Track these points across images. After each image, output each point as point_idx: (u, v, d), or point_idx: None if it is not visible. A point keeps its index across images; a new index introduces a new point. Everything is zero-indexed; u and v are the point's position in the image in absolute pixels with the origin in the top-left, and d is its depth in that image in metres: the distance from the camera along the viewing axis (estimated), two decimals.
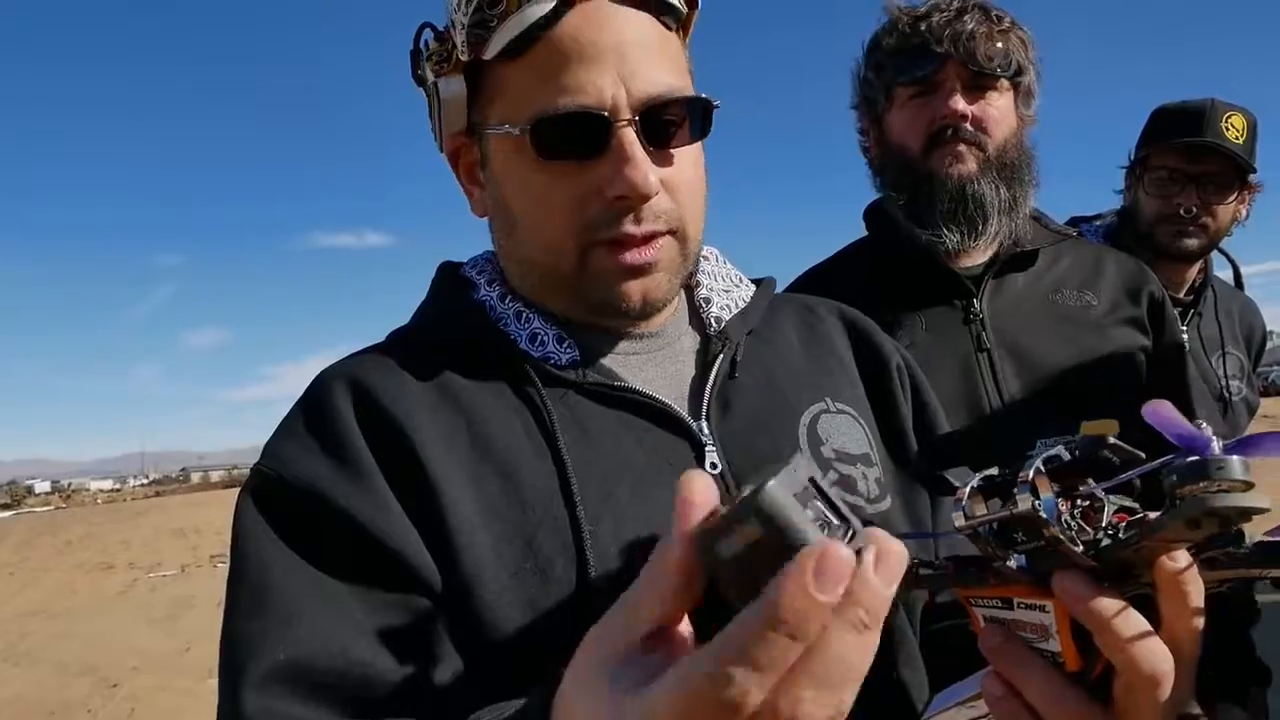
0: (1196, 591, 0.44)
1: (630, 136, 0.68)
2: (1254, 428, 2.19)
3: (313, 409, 0.71)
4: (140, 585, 11.42)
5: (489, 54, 0.70)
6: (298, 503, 0.65)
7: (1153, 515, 0.43)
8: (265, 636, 0.60)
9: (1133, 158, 1.91)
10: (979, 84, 1.29)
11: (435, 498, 0.65)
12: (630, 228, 0.70)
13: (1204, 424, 0.40)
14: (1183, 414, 1.37)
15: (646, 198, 0.69)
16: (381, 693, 0.61)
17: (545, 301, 0.76)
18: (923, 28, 1.29)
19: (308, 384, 0.74)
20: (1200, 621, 0.44)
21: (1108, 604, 0.41)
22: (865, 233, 1.47)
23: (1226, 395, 1.95)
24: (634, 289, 0.72)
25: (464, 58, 0.71)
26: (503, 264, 0.79)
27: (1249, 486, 0.38)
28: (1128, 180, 1.93)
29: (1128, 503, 0.46)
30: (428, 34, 0.75)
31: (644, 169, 0.68)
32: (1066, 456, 0.45)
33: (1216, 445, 0.40)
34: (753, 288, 0.88)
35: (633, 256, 0.70)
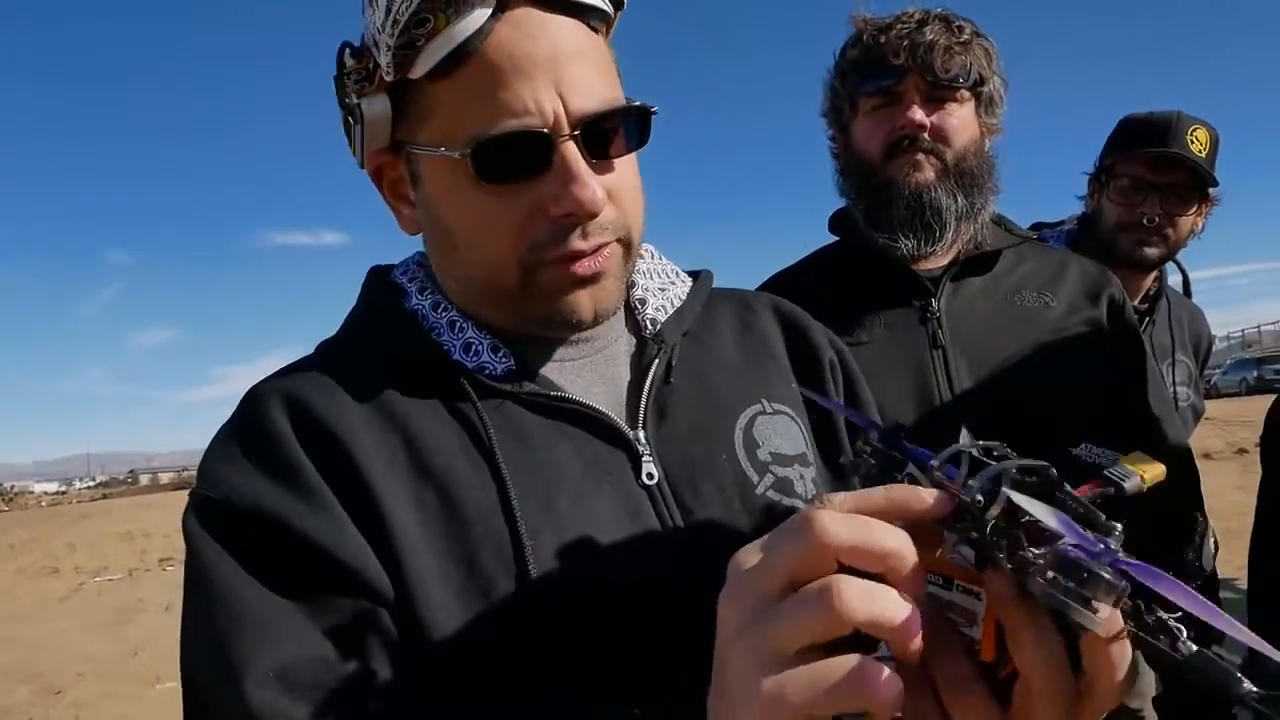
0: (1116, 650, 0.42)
1: (573, 152, 0.67)
2: (1199, 431, 2.26)
3: (250, 428, 0.68)
4: (86, 589, 11.10)
5: (416, 74, 0.67)
6: (249, 526, 0.64)
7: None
8: (254, 648, 0.60)
9: (1098, 165, 1.96)
10: (938, 95, 1.33)
11: (381, 519, 0.64)
12: (579, 244, 0.68)
13: (1111, 538, 0.40)
14: (1139, 413, 1.39)
15: (594, 215, 0.68)
16: (370, 700, 0.61)
17: (486, 315, 0.75)
18: (883, 40, 1.33)
19: (240, 401, 0.71)
20: (1117, 677, 0.42)
21: (1027, 611, 0.41)
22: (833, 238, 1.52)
23: (1175, 402, 2.01)
24: (584, 301, 0.71)
25: (389, 78, 0.68)
26: (439, 279, 0.77)
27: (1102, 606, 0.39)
28: (1091, 187, 1.98)
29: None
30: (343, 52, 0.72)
31: (590, 185, 0.66)
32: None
33: (1115, 544, 0.40)
34: (689, 283, 0.86)
35: (582, 268, 0.69)
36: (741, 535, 0.72)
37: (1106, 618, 0.39)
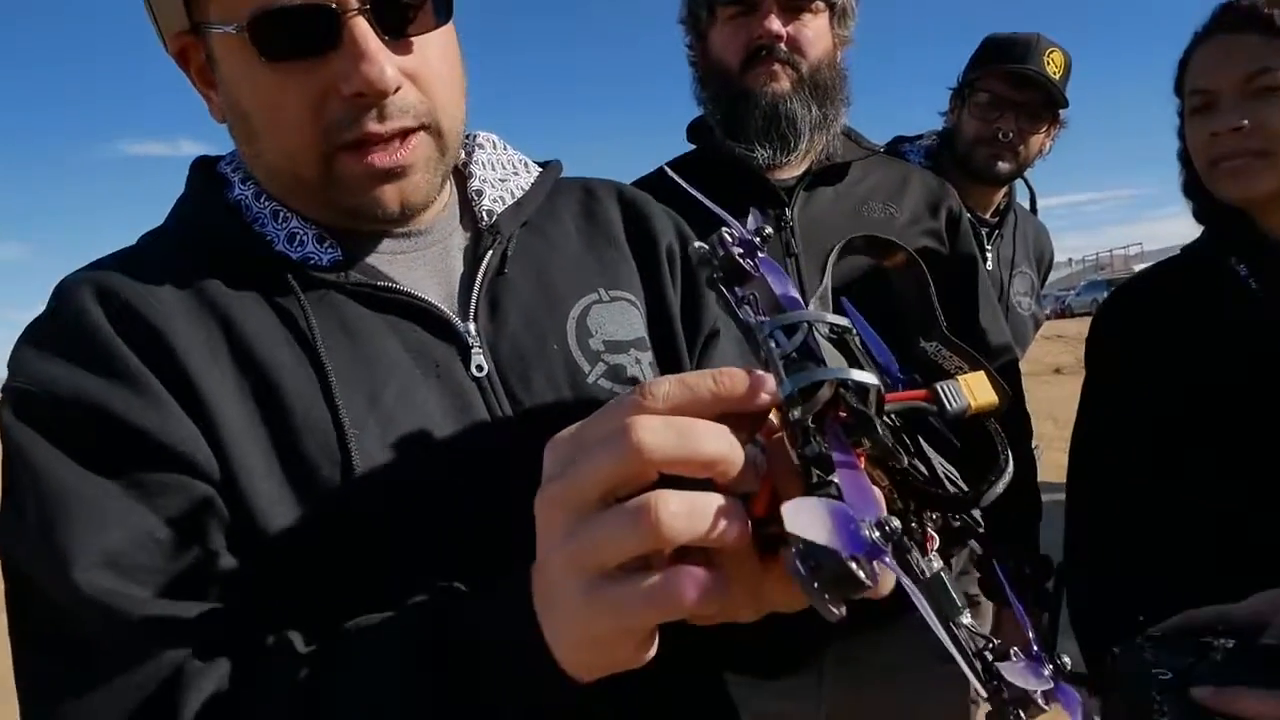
0: None
1: (362, 27, 0.64)
2: (1048, 346, 2.44)
3: (62, 320, 0.65)
4: None
5: None
6: (71, 416, 0.61)
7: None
8: (80, 536, 0.58)
9: (960, 81, 2.03)
10: (794, 5, 1.36)
11: (204, 407, 0.63)
12: (374, 126, 0.66)
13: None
14: (969, 319, 1.49)
15: (385, 93, 0.65)
16: (210, 582, 0.61)
17: (297, 206, 0.73)
18: None
19: (51, 293, 0.68)
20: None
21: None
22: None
23: (1019, 309, 2.17)
24: (389, 194, 0.69)
25: None
26: (250, 170, 0.75)
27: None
28: (953, 102, 2.06)
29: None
30: None
31: (380, 62, 0.64)
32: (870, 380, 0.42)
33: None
34: (535, 173, 0.85)
35: (382, 159, 0.67)
36: (571, 424, 0.73)
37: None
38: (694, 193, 0.52)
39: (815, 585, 0.35)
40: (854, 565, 0.35)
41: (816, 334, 0.44)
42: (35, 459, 0.61)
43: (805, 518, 0.35)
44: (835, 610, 0.36)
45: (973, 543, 0.44)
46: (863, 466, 0.41)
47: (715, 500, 0.40)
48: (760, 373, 0.43)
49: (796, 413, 0.41)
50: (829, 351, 0.43)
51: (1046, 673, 0.40)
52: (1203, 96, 1.14)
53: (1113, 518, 1.25)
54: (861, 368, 0.43)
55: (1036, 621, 1.59)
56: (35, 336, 0.66)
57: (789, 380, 0.41)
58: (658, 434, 0.40)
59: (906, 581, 0.37)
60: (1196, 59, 1.16)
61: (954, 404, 0.45)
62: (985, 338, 1.55)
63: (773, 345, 0.43)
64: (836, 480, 0.39)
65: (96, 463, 0.61)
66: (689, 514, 0.39)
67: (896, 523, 0.37)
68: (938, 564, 0.42)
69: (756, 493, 0.43)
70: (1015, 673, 0.39)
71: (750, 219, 0.50)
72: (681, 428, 0.40)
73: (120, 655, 0.57)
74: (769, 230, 0.49)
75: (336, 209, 0.70)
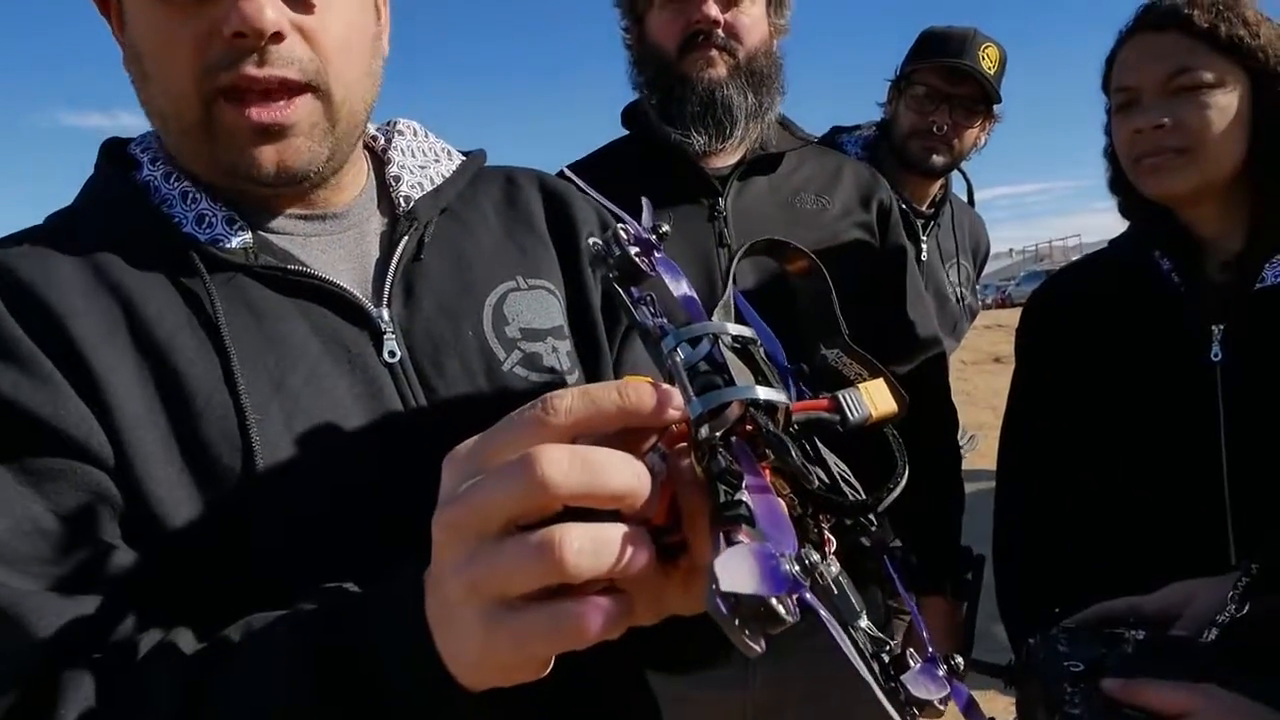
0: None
1: None
2: (988, 336, 2.48)
3: None
4: None
5: None
6: None
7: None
8: None
9: (897, 73, 2.05)
10: None
11: (99, 391, 0.61)
12: (251, 69, 0.64)
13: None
14: (898, 310, 1.51)
15: (262, 34, 0.63)
16: (100, 570, 0.59)
17: (187, 164, 0.71)
18: None
19: None
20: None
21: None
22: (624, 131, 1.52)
23: (959, 301, 2.20)
24: (267, 153, 0.67)
25: None
26: (150, 123, 0.73)
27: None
28: (890, 94, 2.07)
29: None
30: None
31: (260, 2, 0.63)
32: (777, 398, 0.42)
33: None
34: (459, 161, 0.85)
35: (260, 114, 0.65)
36: (485, 412, 0.72)
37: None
38: (589, 191, 0.50)
39: (736, 623, 0.34)
40: (775, 602, 0.34)
41: (721, 345, 0.43)
42: None
43: (735, 572, 0.35)
44: (756, 646, 0.35)
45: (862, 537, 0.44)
46: (769, 479, 0.40)
47: (619, 532, 0.39)
48: (666, 387, 0.42)
49: (704, 430, 0.40)
50: (734, 363, 0.42)
51: (941, 673, 0.41)
52: (1126, 94, 1.15)
53: (1035, 510, 1.28)
54: (769, 383, 0.42)
55: (954, 611, 1.60)
56: None
57: (698, 400, 0.40)
58: (562, 467, 0.39)
59: (825, 615, 0.37)
60: (1121, 57, 1.18)
61: (855, 413, 0.45)
62: (913, 329, 1.56)
63: (678, 358, 0.42)
64: (746, 500, 0.38)
65: None
66: (594, 550, 0.38)
67: (815, 556, 0.37)
68: (836, 568, 0.42)
69: (657, 503, 0.42)
70: (912, 680, 0.40)
71: (645, 215, 0.49)
72: (588, 460, 0.39)
73: None
74: (666, 228, 0.48)
75: (216, 164, 0.69)
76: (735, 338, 0.44)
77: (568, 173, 0.62)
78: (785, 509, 0.39)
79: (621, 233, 0.47)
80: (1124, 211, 1.27)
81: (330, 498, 0.65)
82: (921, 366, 1.57)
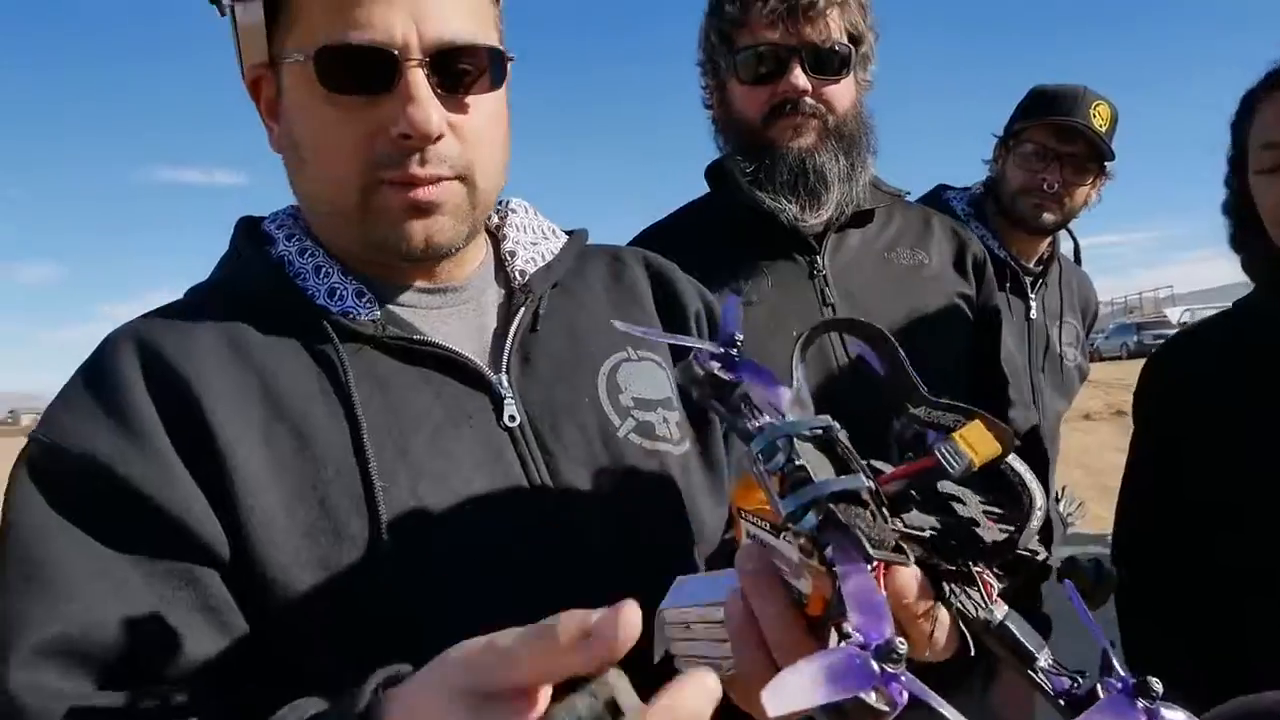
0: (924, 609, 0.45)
1: (418, 77, 0.68)
2: (1081, 392, 2.40)
3: (95, 373, 0.68)
4: None
5: None
6: (76, 472, 0.63)
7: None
8: (35, 612, 0.59)
9: (1005, 130, 2.03)
10: (820, 68, 1.32)
11: (223, 458, 0.64)
12: (415, 169, 0.70)
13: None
14: (991, 370, 1.45)
15: (428, 138, 0.69)
16: (160, 665, 0.61)
17: (333, 240, 0.76)
18: (761, 1, 1.30)
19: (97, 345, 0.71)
20: (925, 632, 0.46)
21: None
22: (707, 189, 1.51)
23: (1061, 360, 2.13)
24: (417, 229, 0.72)
25: None
26: (297, 201, 0.78)
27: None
28: (997, 151, 2.05)
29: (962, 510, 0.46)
30: None
31: (428, 109, 0.68)
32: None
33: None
34: (563, 239, 0.89)
35: (416, 195, 0.70)
36: (603, 476, 0.75)
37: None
38: (661, 337, 0.51)
39: None
40: (872, 697, 0.36)
41: (796, 444, 0.45)
42: (24, 516, 0.62)
43: (786, 696, 0.35)
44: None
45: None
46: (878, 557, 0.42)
47: None
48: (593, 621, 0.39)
49: (793, 532, 0.43)
50: (812, 455, 0.45)
51: (1140, 706, 0.40)
52: (1275, 154, 1.08)
53: (1166, 583, 1.21)
54: (849, 467, 0.44)
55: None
56: (68, 389, 0.68)
57: (782, 504, 0.43)
58: None
59: (933, 698, 0.38)
60: (1270, 110, 1.09)
61: (957, 464, 0.45)
62: (1006, 388, 1.49)
63: (761, 466, 0.45)
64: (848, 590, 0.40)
65: (83, 524, 0.62)
66: None
67: (903, 648, 0.37)
68: (1000, 611, 0.44)
69: (810, 597, 0.45)
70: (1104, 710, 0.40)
71: (727, 317, 0.51)
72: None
73: None
74: (740, 336, 0.50)
75: (367, 241, 0.73)
76: (813, 429, 0.46)
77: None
78: (881, 592, 0.40)
79: (699, 357, 0.50)
80: (1250, 270, 1.21)
81: (456, 559, 0.67)
82: (1014, 424, 1.52)
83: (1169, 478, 1.22)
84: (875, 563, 0.41)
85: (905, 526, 0.44)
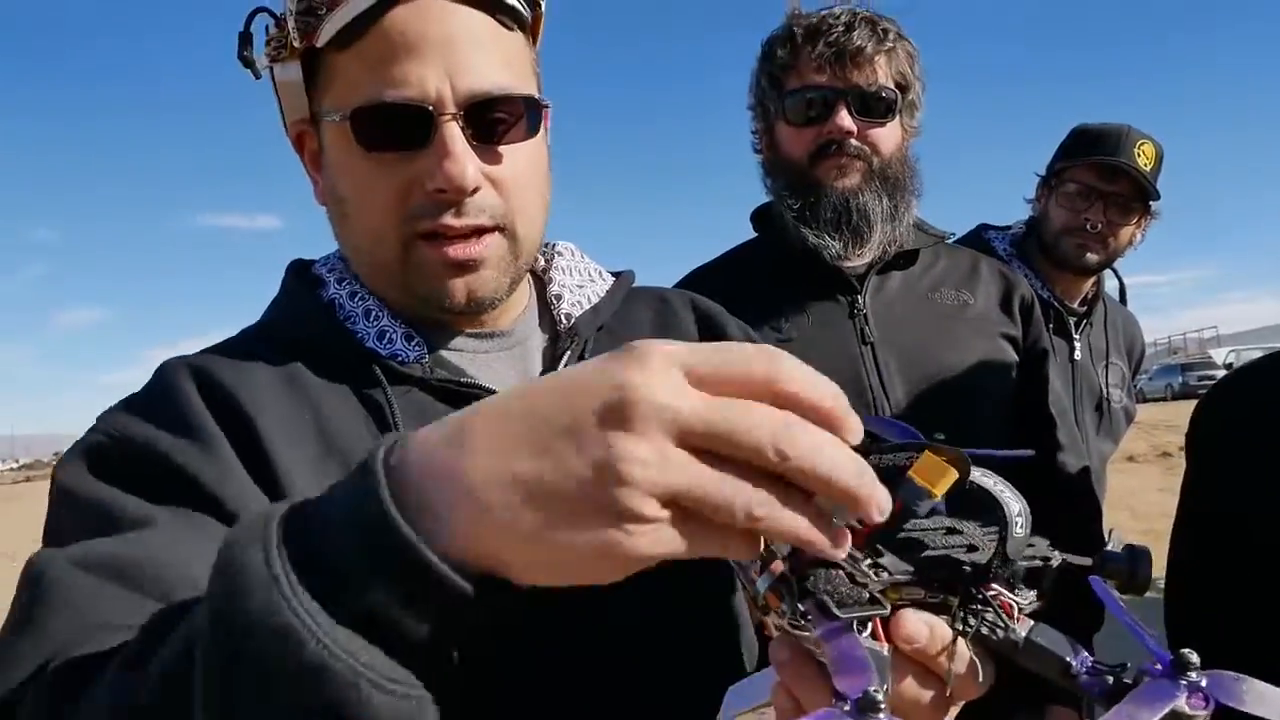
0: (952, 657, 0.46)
1: (453, 131, 0.69)
2: (1127, 434, 2.35)
3: (155, 389, 0.70)
4: (11, 574, 10.68)
5: (320, 41, 0.70)
6: (135, 459, 0.64)
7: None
8: (95, 543, 0.59)
9: (1048, 170, 2.02)
10: (867, 110, 1.37)
11: (279, 480, 0.66)
12: (450, 220, 0.70)
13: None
14: (1037, 411, 1.42)
15: (463, 191, 0.70)
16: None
17: (379, 291, 0.77)
18: (811, 43, 1.36)
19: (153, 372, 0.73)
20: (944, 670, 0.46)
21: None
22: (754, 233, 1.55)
23: (1107, 402, 2.09)
24: (458, 285, 0.73)
25: (296, 45, 0.72)
26: (344, 253, 0.80)
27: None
28: (1040, 191, 2.04)
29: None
30: (266, 20, 0.75)
31: (463, 163, 0.69)
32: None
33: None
34: (610, 281, 0.89)
35: (455, 252, 0.72)
36: None
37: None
38: None
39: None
40: None
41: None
42: (80, 488, 0.63)
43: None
44: None
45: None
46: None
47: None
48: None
49: (776, 611, 0.46)
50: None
51: (1183, 683, 0.41)
52: None
53: (1226, 634, 1.17)
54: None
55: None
56: (126, 401, 0.70)
57: (756, 584, 0.46)
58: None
59: None
60: None
61: (919, 502, 0.45)
62: (1054, 429, 1.48)
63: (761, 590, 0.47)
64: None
65: (142, 492, 0.62)
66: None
67: (880, 698, 0.38)
68: (1024, 630, 0.45)
69: None
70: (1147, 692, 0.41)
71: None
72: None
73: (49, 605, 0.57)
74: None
75: (411, 294, 0.75)
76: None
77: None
78: (872, 646, 0.43)
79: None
80: None
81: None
82: (1064, 467, 1.49)
83: (1229, 521, 1.19)
84: (857, 620, 0.43)
85: (891, 575, 0.45)
